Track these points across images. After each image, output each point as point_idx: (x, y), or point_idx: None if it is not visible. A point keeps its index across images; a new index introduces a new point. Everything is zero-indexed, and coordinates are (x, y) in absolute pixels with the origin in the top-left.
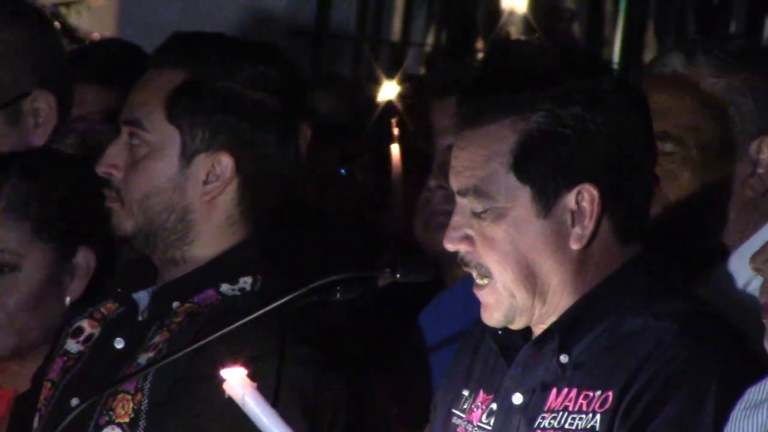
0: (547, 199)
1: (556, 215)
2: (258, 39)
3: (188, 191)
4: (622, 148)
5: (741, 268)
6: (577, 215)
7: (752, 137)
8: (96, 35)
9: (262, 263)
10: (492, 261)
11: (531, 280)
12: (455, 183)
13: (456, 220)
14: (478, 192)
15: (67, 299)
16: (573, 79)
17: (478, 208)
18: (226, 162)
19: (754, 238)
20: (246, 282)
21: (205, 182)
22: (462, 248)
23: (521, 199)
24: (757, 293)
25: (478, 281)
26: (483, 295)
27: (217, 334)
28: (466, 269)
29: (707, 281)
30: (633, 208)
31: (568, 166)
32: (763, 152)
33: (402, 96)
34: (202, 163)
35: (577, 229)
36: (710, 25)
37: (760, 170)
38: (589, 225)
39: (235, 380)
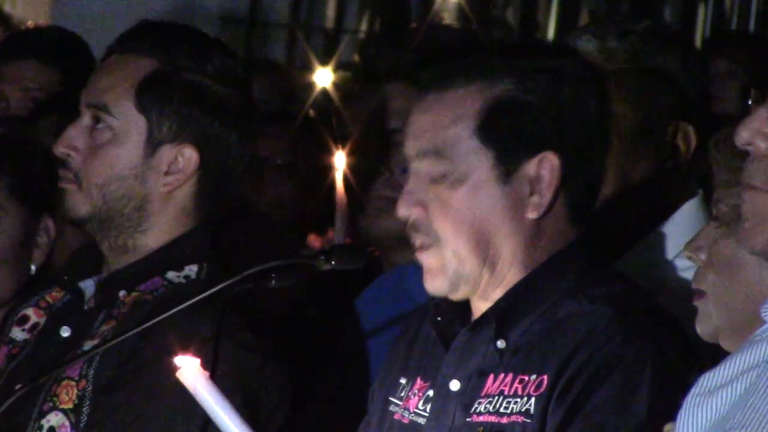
0: (508, 165)
1: (515, 182)
2: (192, 24)
3: (149, 181)
4: (584, 122)
5: (658, 248)
6: (535, 184)
7: (668, 122)
8: (30, 23)
9: (210, 252)
10: (446, 226)
11: (484, 247)
12: (413, 146)
13: (411, 184)
14: (438, 153)
15: (33, 267)
16: (540, 56)
17: (436, 171)
18: (190, 155)
19: (672, 220)
20: (192, 270)
21: (167, 173)
22: (415, 213)
23: (483, 163)
24: (675, 271)
25: (423, 246)
26: (426, 257)
27: (155, 320)
28: (414, 235)
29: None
30: (587, 185)
31: (532, 132)
32: (678, 138)
33: (338, 84)
34: (166, 153)
35: (535, 198)
36: (645, 9)
37: (679, 153)
38: (547, 194)
39: (189, 369)
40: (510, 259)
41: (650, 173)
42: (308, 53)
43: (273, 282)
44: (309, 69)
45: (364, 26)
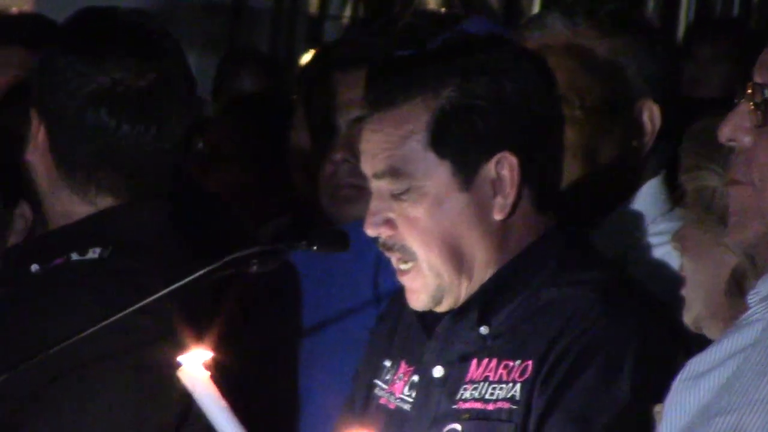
0: (467, 172)
1: (477, 187)
2: (175, 14)
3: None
4: (533, 112)
5: (621, 226)
6: (497, 185)
7: (634, 100)
8: (14, 10)
9: (117, 235)
10: (416, 241)
11: (457, 256)
12: (370, 167)
13: (375, 204)
14: (396, 173)
15: None
16: (476, 52)
17: (397, 189)
18: (37, 125)
19: (634, 199)
20: (95, 251)
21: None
22: (383, 232)
23: (441, 175)
24: (637, 249)
25: (401, 266)
26: (407, 280)
27: (109, 320)
28: (388, 254)
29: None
30: (549, 174)
31: (485, 136)
32: (644, 116)
33: (309, 68)
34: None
35: (499, 199)
36: None
37: (644, 132)
38: (511, 193)
39: (190, 368)
40: (485, 262)
41: (617, 151)
42: (292, 40)
43: (254, 268)
44: (293, 55)
45: (348, 12)
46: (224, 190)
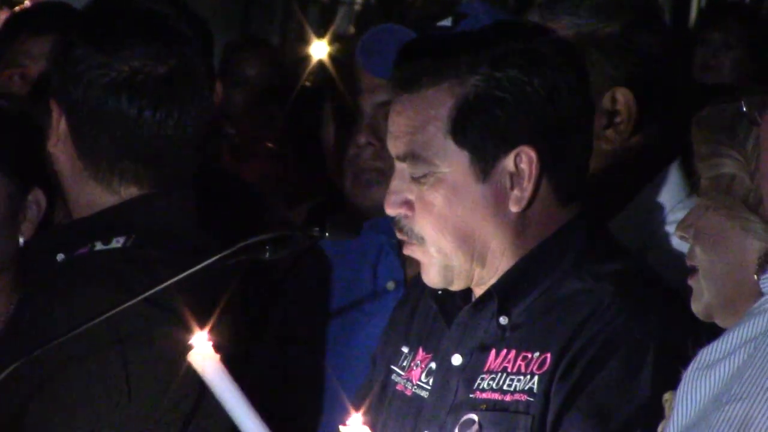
0: (485, 163)
1: (494, 178)
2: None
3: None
4: (559, 109)
5: (643, 214)
6: (515, 178)
7: (603, 89)
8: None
9: (140, 224)
10: (429, 225)
11: (469, 244)
12: (393, 148)
13: (395, 184)
14: (416, 157)
15: (21, 239)
16: (509, 42)
17: (417, 172)
18: (59, 116)
19: (652, 184)
20: (118, 241)
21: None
22: (402, 212)
23: (460, 163)
24: (662, 235)
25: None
26: (413, 252)
27: (115, 309)
28: (398, 234)
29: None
30: (572, 169)
31: (506, 129)
32: (618, 103)
33: (333, 54)
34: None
35: (516, 192)
36: None
37: (618, 120)
38: (528, 187)
39: (200, 350)
40: (500, 252)
41: (599, 148)
42: (304, 26)
43: (267, 254)
44: (305, 42)
45: None
46: (259, 178)
